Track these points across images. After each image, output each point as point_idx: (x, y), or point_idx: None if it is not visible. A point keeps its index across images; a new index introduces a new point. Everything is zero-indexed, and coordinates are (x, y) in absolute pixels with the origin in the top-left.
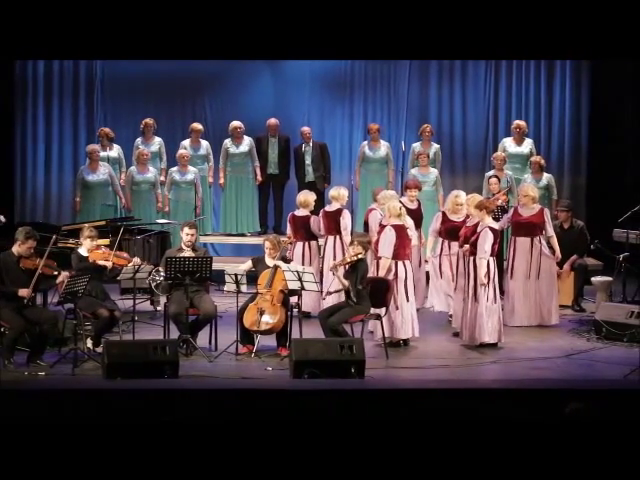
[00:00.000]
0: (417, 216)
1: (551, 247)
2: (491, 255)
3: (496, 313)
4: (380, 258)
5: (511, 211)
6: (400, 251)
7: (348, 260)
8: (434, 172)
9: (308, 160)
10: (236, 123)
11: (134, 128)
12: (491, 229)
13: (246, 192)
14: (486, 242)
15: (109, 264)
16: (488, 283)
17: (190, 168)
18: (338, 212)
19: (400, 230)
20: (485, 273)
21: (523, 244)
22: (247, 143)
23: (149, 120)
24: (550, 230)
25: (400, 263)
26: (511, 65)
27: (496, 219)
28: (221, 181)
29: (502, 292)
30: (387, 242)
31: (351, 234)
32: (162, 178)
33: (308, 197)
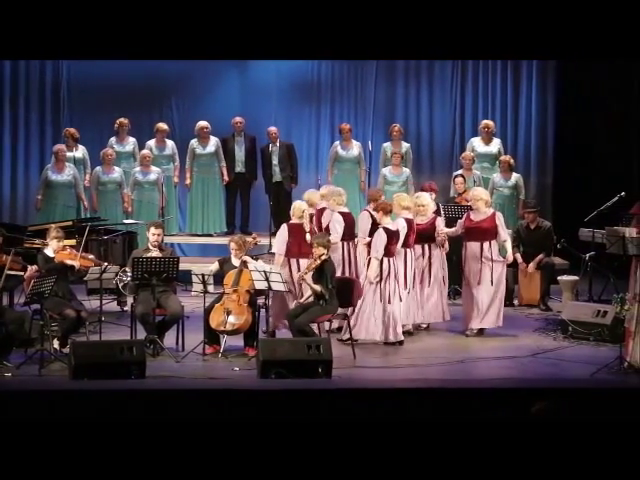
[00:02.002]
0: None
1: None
2: (388, 256)
3: (386, 313)
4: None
5: (464, 215)
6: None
7: (314, 265)
8: (406, 172)
9: (275, 160)
10: (202, 123)
11: (100, 129)
12: (385, 230)
13: (213, 192)
14: (378, 242)
15: (76, 264)
16: (381, 282)
17: (153, 168)
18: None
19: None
20: (376, 274)
21: (473, 249)
22: (213, 143)
23: (124, 120)
24: (503, 234)
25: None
26: (477, 65)
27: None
28: (187, 181)
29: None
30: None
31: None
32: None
33: (312, 196)
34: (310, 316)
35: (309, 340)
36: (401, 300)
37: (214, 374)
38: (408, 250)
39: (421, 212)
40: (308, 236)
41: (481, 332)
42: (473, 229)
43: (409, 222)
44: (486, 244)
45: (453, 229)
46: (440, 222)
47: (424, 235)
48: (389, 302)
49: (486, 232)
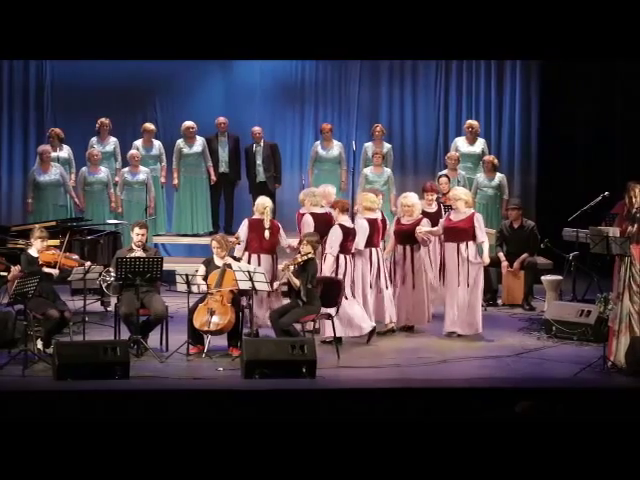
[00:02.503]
0: (436, 219)
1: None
2: (344, 253)
3: (353, 306)
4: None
5: (445, 215)
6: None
7: (299, 260)
8: (387, 172)
9: (259, 160)
10: (189, 123)
11: (84, 129)
12: (341, 226)
13: (200, 192)
14: (334, 239)
15: (55, 272)
16: (344, 278)
17: (142, 168)
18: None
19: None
20: (332, 270)
21: (450, 250)
22: (200, 143)
23: (105, 119)
24: (481, 236)
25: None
26: (461, 65)
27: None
28: (175, 181)
29: None
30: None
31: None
32: (117, 178)
33: (327, 189)
34: (294, 316)
35: (293, 340)
36: (361, 298)
37: (198, 374)
38: (374, 249)
39: (407, 212)
40: (267, 233)
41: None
42: (451, 229)
43: (372, 222)
44: (462, 245)
45: (435, 228)
46: (425, 223)
47: (408, 235)
48: (346, 298)
49: (463, 233)
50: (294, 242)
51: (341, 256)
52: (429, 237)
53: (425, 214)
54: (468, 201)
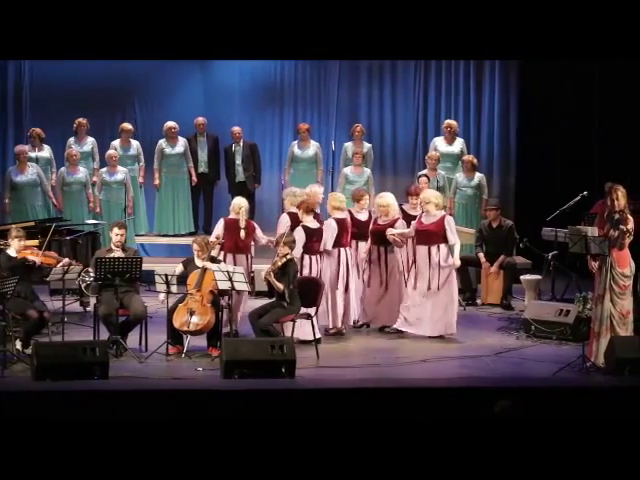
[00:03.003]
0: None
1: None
2: (309, 253)
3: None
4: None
5: (417, 218)
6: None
7: (279, 264)
8: (367, 172)
9: (238, 160)
10: (171, 124)
11: (63, 129)
12: (304, 227)
13: (181, 193)
14: (297, 240)
15: (38, 259)
16: None
17: (120, 168)
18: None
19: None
20: (295, 270)
21: (422, 253)
22: (182, 144)
23: (82, 119)
24: (452, 238)
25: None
26: (440, 65)
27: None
28: (156, 182)
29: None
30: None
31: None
32: (95, 178)
33: (314, 188)
34: (273, 316)
35: (272, 340)
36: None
37: (177, 374)
38: (342, 249)
39: (383, 212)
40: (242, 232)
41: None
42: (422, 232)
43: (341, 222)
44: (434, 248)
45: (407, 230)
46: (401, 224)
47: (383, 236)
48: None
49: (433, 235)
50: (273, 238)
51: (306, 257)
52: (402, 239)
53: (410, 217)
54: (439, 204)
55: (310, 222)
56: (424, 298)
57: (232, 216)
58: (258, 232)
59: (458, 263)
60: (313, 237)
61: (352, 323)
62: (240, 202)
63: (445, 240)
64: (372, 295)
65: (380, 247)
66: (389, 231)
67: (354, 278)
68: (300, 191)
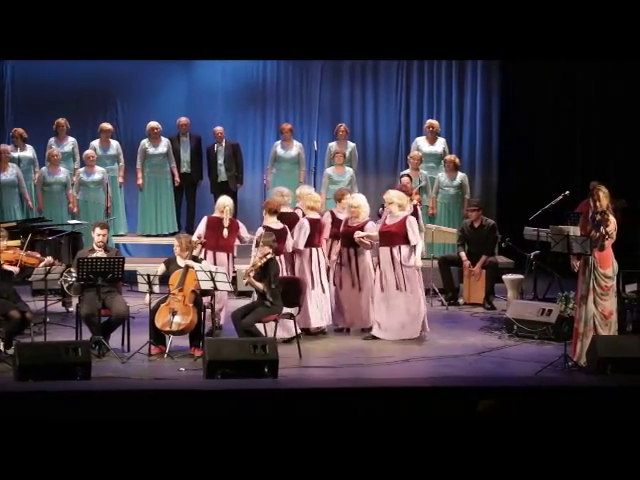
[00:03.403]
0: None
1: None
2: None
3: None
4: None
5: (382, 219)
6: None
7: (259, 264)
8: (349, 171)
9: (220, 160)
10: (154, 124)
11: (45, 129)
12: (265, 228)
13: (164, 193)
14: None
15: (15, 269)
16: None
17: (97, 168)
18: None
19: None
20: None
21: (384, 255)
22: (165, 144)
23: (61, 120)
24: (414, 239)
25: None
26: (422, 65)
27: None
28: (139, 182)
29: None
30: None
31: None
32: (74, 178)
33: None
34: (256, 316)
35: (255, 340)
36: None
37: (160, 374)
38: (314, 250)
39: (354, 214)
40: (225, 231)
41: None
42: (385, 233)
43: (315, 222)
44: (395, 249)
45: (374, 233)
46: (371, 226)
47: (352, 237)
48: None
49: (394, 236)
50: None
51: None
52: (370, 241)
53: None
54: (402, 204)
55: (272, 223)
56: (390, 301)
57: (216, 214)
58: (243, 231)
59: (419, 264)
60: (278, 238)
61: (319, 326)
62: (225, 201)
63: (407, 241)
64: (345, 298)
65: (350, 249)
66: (357, 234)
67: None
68: (287, 191)
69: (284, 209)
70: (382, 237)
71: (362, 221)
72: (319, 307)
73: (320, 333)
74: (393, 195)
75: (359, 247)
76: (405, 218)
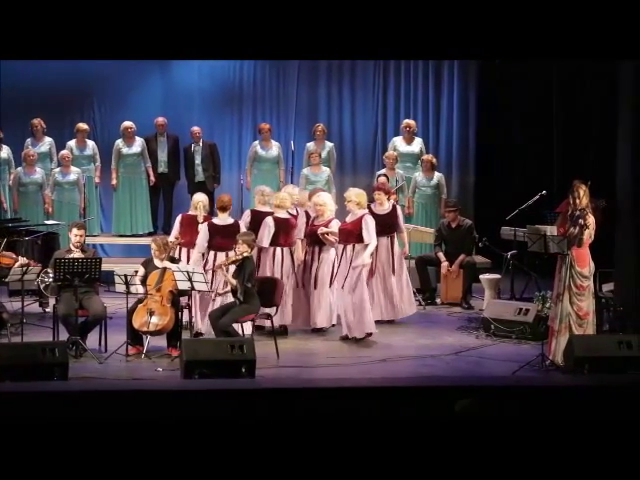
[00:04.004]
0: (391, 221)
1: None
2: (214, 250)
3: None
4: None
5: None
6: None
7: (233, 259)
8: (326, 171)
9: (198, 160)
10: (127, 123)
11: (21, 129)
12: (209, 225)
13: (139, 193)
14: (200, 237)
15: None
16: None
17: (73, 169)
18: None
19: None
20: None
21: (339, 251)
22: (139, 144)
23: (35, 120)
24: (367, 237)
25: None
26: (399, 65)
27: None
28: (113, 182)
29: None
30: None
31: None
32: (50, 179)
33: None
34: (233, 316)
35: (232, 340)
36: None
37: (137, 375)
38: (278, 249)
39: (319, 212)
40: (200, 227)
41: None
42: (342, 231)
43: (281, 221)
44: (349, 247)
45: (336, 230)
46: (335, 225)
47: (317, 237)
48: (219, 295)
49: (350, 234)
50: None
51: (212, 252)
52: (335, 237)
53: (378, 217)
54: (360, 202)
55: (219, 219)
56: (345, 299)
57: (191, 212)
58: None
59: (367, 262)
60: (218, 234)
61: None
62: (198, 197)
63: (362, 239)
64: (304, 298)
65: (315, 247)
66: (320, 229)
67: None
68: (269, 190)
69: (264, 208)
70: (340, 234)
71: (327, 219)
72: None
73: (283, 332)
74: (352, 193)
75: (324, 245)
76: (362, 217)
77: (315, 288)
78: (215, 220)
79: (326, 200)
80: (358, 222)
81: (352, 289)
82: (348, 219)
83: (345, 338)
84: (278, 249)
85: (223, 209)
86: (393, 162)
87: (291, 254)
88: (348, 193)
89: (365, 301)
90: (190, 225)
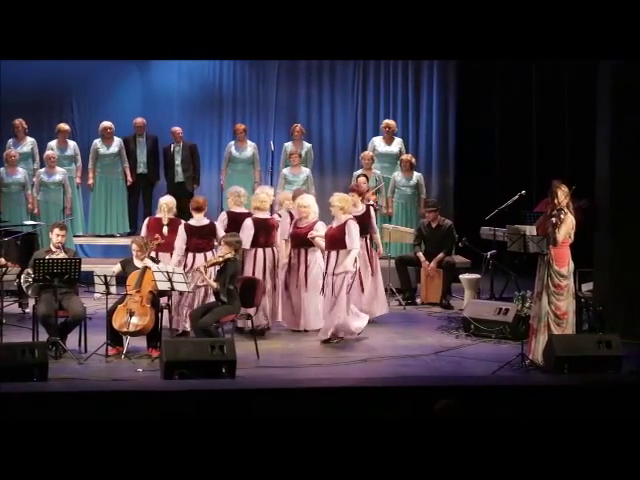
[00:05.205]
0: (365, 221)
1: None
2: (192, 251)
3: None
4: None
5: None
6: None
7: (214, 261)
8: (305, 171)
9: (178, 160)
10: (106, 124)
11: (2, 129)
12: (185, 226)
13: (116, 193)
14: (178, 238)
15: None
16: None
17: (58, 169)
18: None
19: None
20: (173, 267)
21: (326, 257)
22: (117, 144)
23: (16, 121)
24: (349, 243)
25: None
26: (379, 65)
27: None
28: (90, 182)
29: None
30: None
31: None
32: (35, 179)
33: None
34: (214, 316)
35: (213, 340)
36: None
37: (117, 375)
38: (260, 250)
39: (303, 213)
40: (165, 229)
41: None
42: (327, 236)
43: (261, 222)
44: (333, 252)
45: (322, 233)
46: (320, 227)
47: (301, 239)
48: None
49: (335, 240)
50: None
51: (190, 254)
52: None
53: (355, 218)
54: (344, 207)
55: (194, 221)
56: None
57: (158, 215)
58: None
59: (350, 269)
60: (194, 235)
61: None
62: (163, 199)
63: (343, 245)
64: (293, 300)
65: (301, 250)
66: (311, 233)
67: (279, 277)
68: (244, 191)
69: (239, 209)
70: (326, 241)
71: (311, 221)
72: (262, 306)
73: (265, 330)
74: (335, 199)
75: (310, 247)
76: (345, 222)
77: (306, 290)
78: (191, 221)
79: (310, 202)
80: (342, 228)
81: (334, 293)
82: (334, 224)
83: (326, 341)
84: (260, 250)
85: (198, 210)
86: (369, 162)
87: (273, 254)
88: (332, 198)
89: (342, 307)
90: (156, 228)
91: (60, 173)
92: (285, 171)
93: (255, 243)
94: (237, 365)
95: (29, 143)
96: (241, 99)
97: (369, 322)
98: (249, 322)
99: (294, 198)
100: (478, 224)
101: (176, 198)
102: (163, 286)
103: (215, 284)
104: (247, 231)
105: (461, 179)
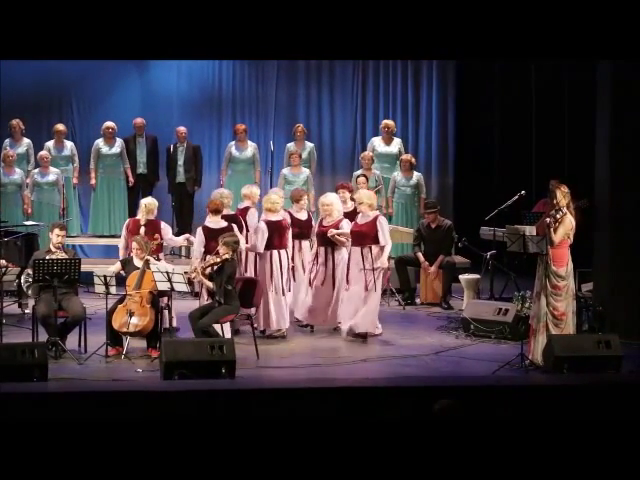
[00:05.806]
0: (353, 218)
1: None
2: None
3: None
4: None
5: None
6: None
7: (211, 262)
8: (305, 172)
9: (181, 161)
10: (109, 124)
11: (0, 130)
12: (203, 228)
13: (117, 194)
14: (195, 241)
15: None
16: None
17: (52, 169)
18: (246, 210)
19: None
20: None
21: (355, 254)
22: (118, 144)
23: (14, 121)
24: (382, 239)
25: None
26: (378, 65)
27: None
28: (92, 182)
29: None
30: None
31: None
32: (28, 180)
33: (252, 189)
34: (213, 317)
35: (212, 341)
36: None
37: (117, 376)
38: (275, 252)
39: (327, 212)
40: (142, 229)
41: (364, 336)
42: (355, 233)
43: (273, 224)
44: (366, 249)
45: (347, 231)
46: (345, 224)
47: (326, 237)
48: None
49: (365, 237)
50: (179, 239)
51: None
52: (346, 238)
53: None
54: (372, 204)
55: (212, 223)
56: (353, 298)
57: (138, 216)
58: (165, 233)
59: (386, 265)
60: (213, 238)
61: (281, 330)
62: (144, 200)
63: (376, 241)
64: (322, 297)
65: (327, 248)
66: (330, 231)
67: (291, 280)
68: (228, 192)
69: (224, 211)
70: (353, 237)
71: (336, 219)
72: (277, 310)
73: (280, 337)
74: (362, 195)
75: (336, 245)
76: (376, 218)
77: (334, 288)
78: (209, 224)
79: (333, 200)
80: (372, 224)
81: (368, 290)
82: (360, 221)
83: (357, 336)
84: (274, 252)
85: (216, 212)
86: (369, 162)
87: (287, 256)
88: (359, 195)
89: (377, 303)
90: (134, 229)
91: (54, 173)
92: (285, 171)
93: (269, 245)
94: (237, 365)
95: (25, 144)
96: (240, 99)
97: None
98: (274, 326)
99: (293, 198)
100: (478, 224)
101: (176, 198)
102: (163, 286)
103: (210, 284)
104: (260, 234)
105: (461, 179)
